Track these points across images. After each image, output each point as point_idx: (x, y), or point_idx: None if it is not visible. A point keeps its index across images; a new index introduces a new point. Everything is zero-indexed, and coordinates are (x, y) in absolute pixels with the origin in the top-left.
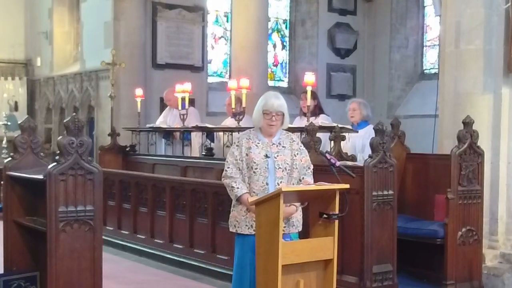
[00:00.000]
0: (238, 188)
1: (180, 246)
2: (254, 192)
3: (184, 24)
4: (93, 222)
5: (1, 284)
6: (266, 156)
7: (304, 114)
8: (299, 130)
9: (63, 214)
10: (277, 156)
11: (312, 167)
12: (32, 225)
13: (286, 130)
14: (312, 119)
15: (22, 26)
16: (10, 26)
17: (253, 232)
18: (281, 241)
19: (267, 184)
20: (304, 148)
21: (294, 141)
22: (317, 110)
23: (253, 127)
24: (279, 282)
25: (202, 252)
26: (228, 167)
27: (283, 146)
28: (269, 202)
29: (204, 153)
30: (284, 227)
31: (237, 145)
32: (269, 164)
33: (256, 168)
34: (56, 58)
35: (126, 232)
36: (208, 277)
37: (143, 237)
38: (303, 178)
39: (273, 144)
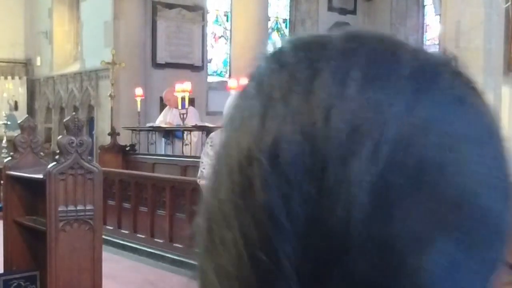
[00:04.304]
0: None
1: (180, 246)
2: None
3: (184, 23)
4: (93, 221)
5: (1, 283)
6: None
7: None
8: None
9: (63, 213)
10: None
11: None
12: (32, 224)
13: None
14: None
15: (22, 25)
16: (10, 26)
17: None
18: None
19: None
20: None
21: None
22: None
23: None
24: None
25: None
26: (204, 168)
27: None
28: None
29: None
30: None
31: (210, 145)
32: None
33: None
34: (56, 57)
35: (126, 232)
36: None
37: (143, 236)
38: None
39: None
